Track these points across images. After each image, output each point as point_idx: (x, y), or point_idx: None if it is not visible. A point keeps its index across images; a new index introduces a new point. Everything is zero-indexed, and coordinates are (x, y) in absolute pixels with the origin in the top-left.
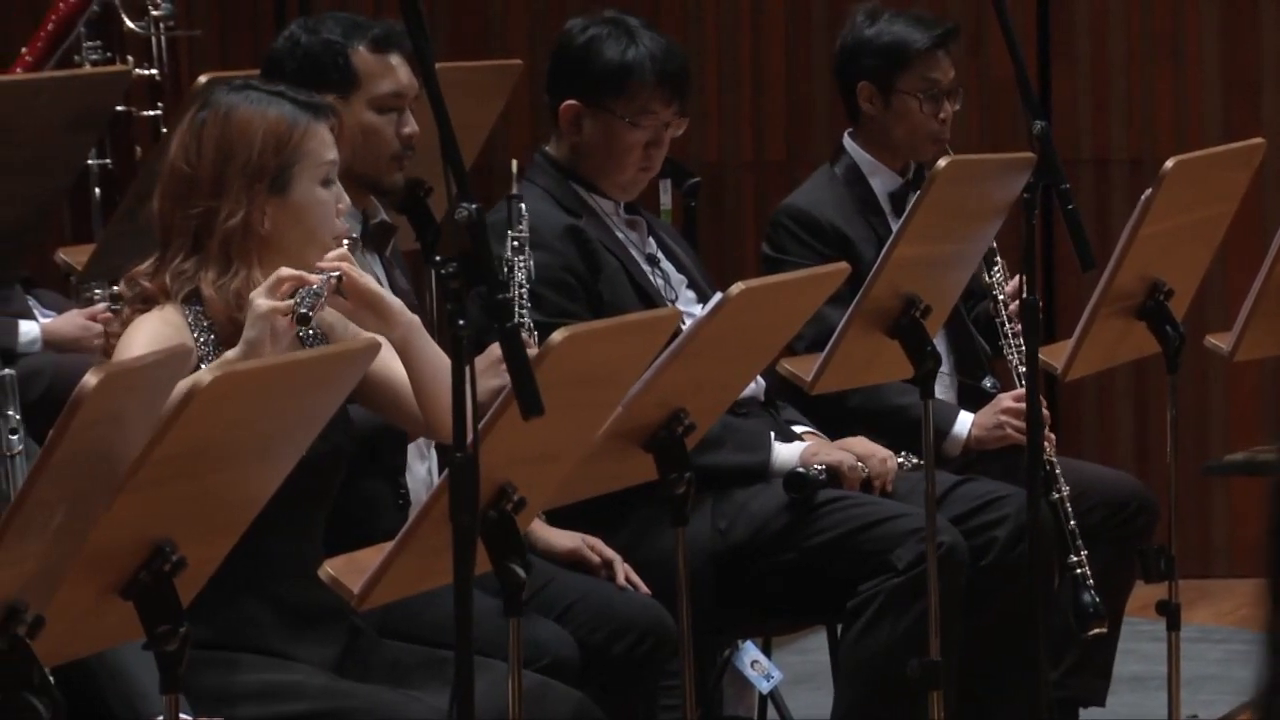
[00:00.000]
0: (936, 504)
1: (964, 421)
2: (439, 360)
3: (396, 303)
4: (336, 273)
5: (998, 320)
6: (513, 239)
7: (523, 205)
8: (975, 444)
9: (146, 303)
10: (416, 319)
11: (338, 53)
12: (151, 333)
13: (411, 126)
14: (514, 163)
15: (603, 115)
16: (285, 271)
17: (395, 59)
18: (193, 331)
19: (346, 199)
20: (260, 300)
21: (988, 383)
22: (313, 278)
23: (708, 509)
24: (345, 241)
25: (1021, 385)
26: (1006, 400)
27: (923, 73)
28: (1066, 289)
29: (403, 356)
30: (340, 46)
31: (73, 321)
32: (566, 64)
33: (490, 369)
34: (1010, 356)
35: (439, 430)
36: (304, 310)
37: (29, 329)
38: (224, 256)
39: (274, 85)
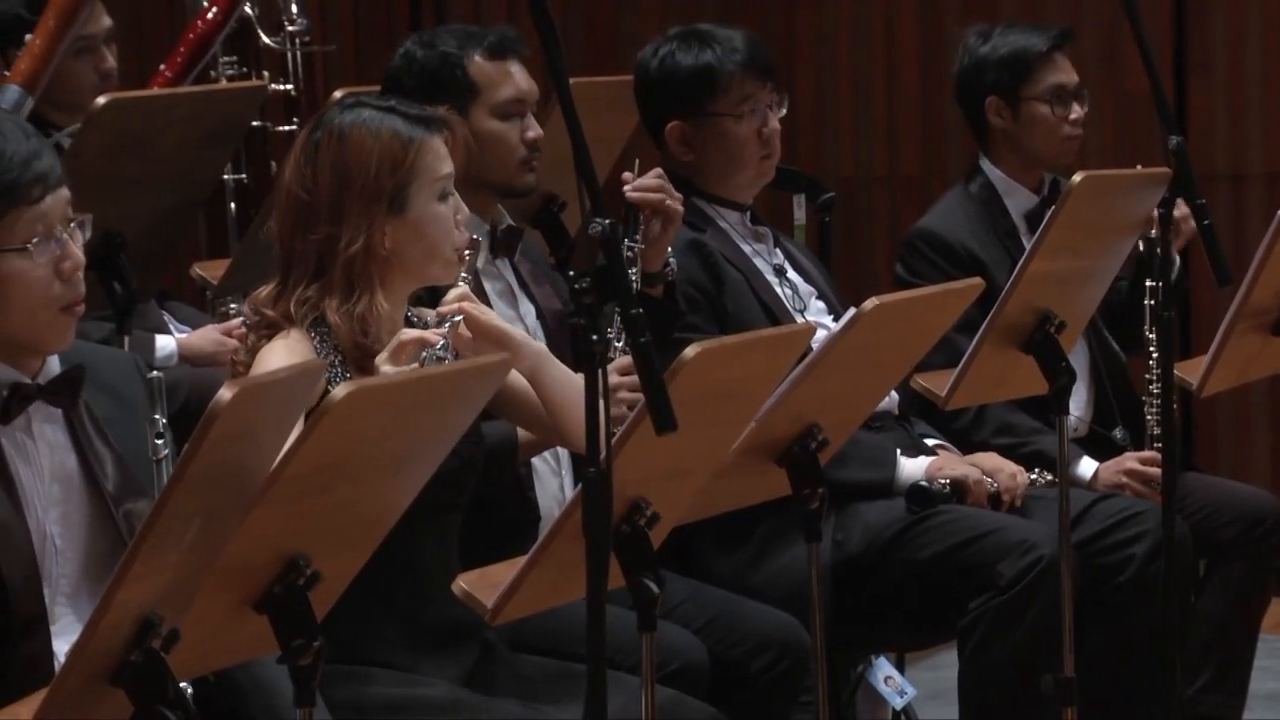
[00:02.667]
0: (1073, 522)
1: (1086, 466)
2: (569, 383)
3: (520, 335)
4: (459, 315)
5: (1146, 375)
6: (628, 247)
7: (641, 213)
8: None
9: (270, 328)
10: (542, 347)
11: (454, 64)
12: (285, 360)
13: (535, 130)
14: (635, 161)
15: (706, 121)
16: (406, 335)
17: (513, 65)
18: (319, 354)
19: (465, 209)
20: (386, 368)
21: (1118, 433)
22: (434, 337)
23: (830, 523)
24: (467, 252)
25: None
26: (1131, 461)
27: (1047, 76)
28: (1202, 304)
29: (533, 385)
30: (457, 58)
31: (207, 336)
32: (652, 90)
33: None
34: (1149, 416)
35: (579, 447)
36: None
37: (165, 344)
38: (346, 282)
39: (385, 100)
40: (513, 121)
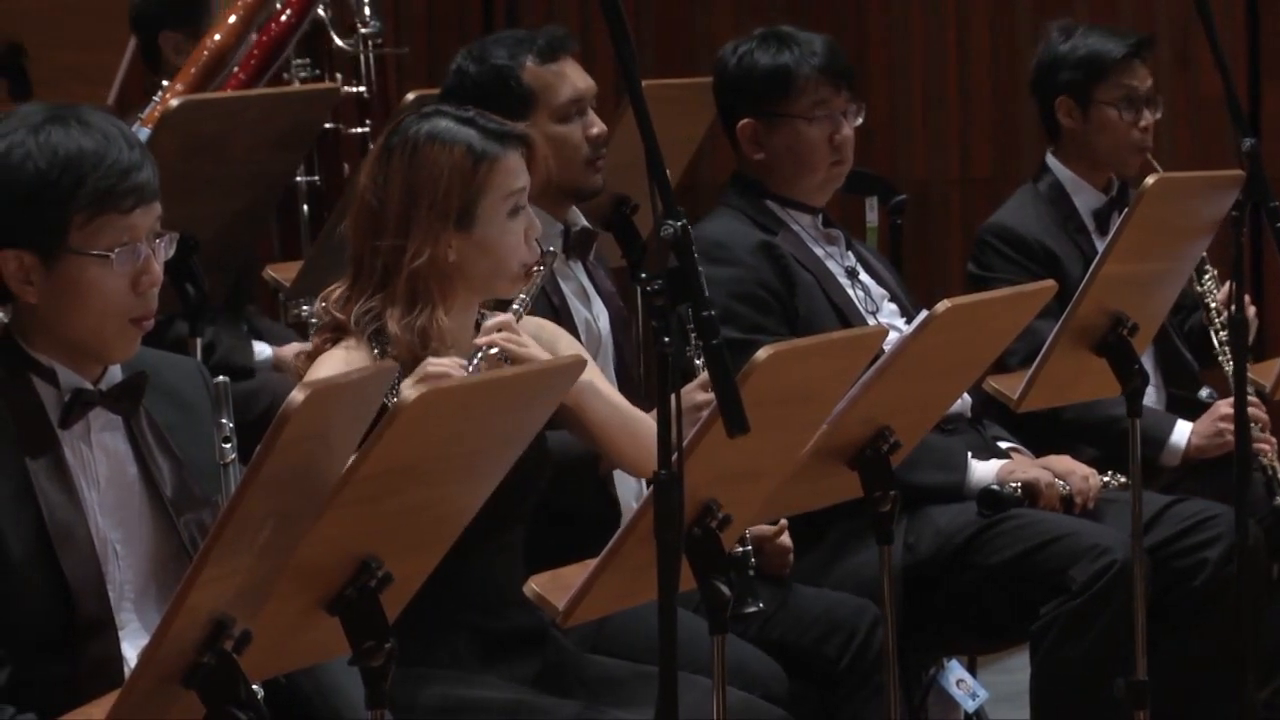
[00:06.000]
0: (1146, 525)
1: (1182, 430)
2: (611, 412)
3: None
4: (494, 349)
5: (1210, 329)
6: None
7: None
8: (1195, 453)
9: (336, 331)
10: (587, 379)
11: (508, 76)
12: (337, 370)
13: (598, 126)
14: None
15: (779, 122)
16: (432, 368)
17: (567, 65)
18: None
19: (537, 224)
20: (408, 394)
21: (1204, 393)
22: (458, 371)
23: (902, 526)
24: (536, 268)
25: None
26: (1224, 407)
27: (1120, 81)
28: (1276, 306)
29: (578, 417)
30: (509, 69)
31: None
32: (729, 87)
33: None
34: (1226, 364)
35: (638, 470)
36: None
37: (262, 349)
38: (409, 294)
39: (465, 111)
40: (574, 122)
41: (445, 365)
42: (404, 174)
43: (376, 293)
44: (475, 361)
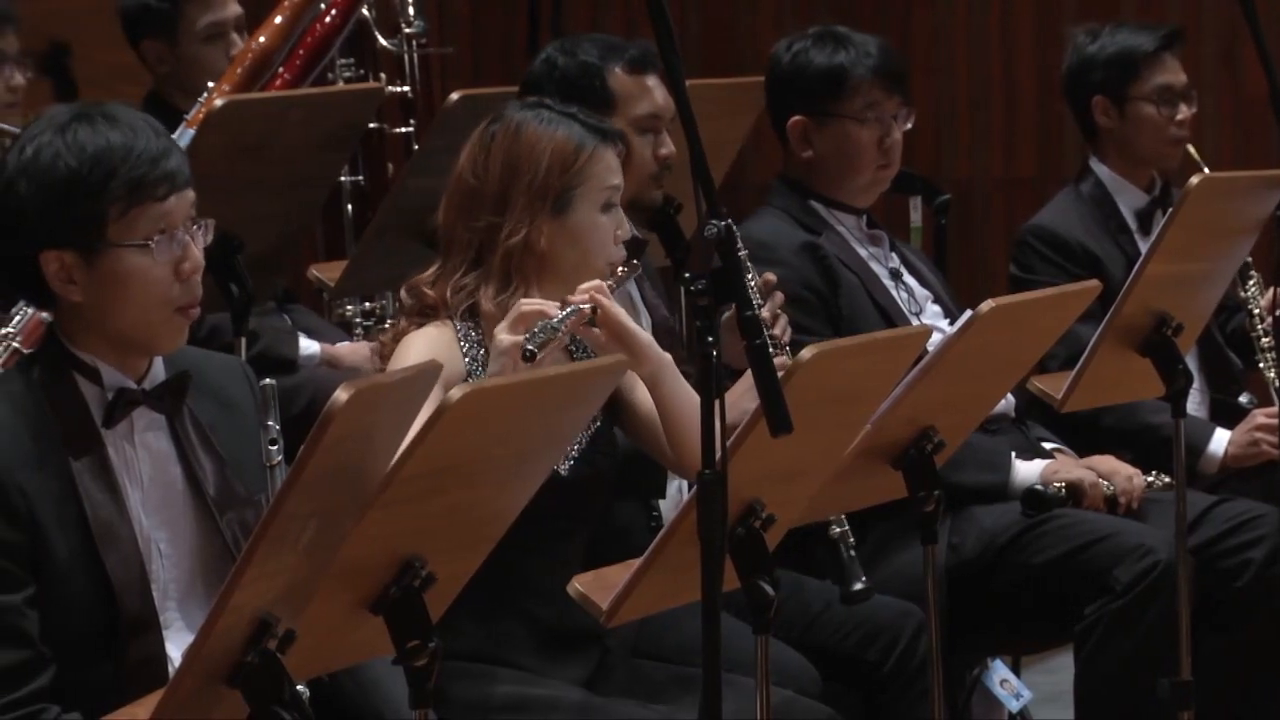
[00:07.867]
0: (1191, 525)
1: (1220, 439)
2: (688, 398)
3: (646, 338)
4: (588, 304)
5: (1253, 335)
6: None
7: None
8: (1232, 461)
9: (424, 313)
10: (667, 356)
11: (595, 75)
12: (423, 349)
13: (668, 147)
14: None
15: (829, 121)
16: (525, 306)
17: (652, 80)
18: (462, 346)
19: (627, 225)
20: (502, 336)
21: (1244, 398)
22: (553, 310)
23: (946, 526)
24: (622, 269)
25: (1278, 401)
26: (1259, 417)
27: (1154, 77)
28: None
29: (652, 393)
30: (597, 69)
31: (359, 352)
32: (781, 83)
33: (746, 393)
34: (1267, 371)
35: (686, 467)
36: (530, 348)
37: (309, 344)
38: (505, 273)
39: (567, 106)
40: (647, 136)
41: (539, 304)
42: (505, 152)
43: (470, 271)
44: (566, 313)
